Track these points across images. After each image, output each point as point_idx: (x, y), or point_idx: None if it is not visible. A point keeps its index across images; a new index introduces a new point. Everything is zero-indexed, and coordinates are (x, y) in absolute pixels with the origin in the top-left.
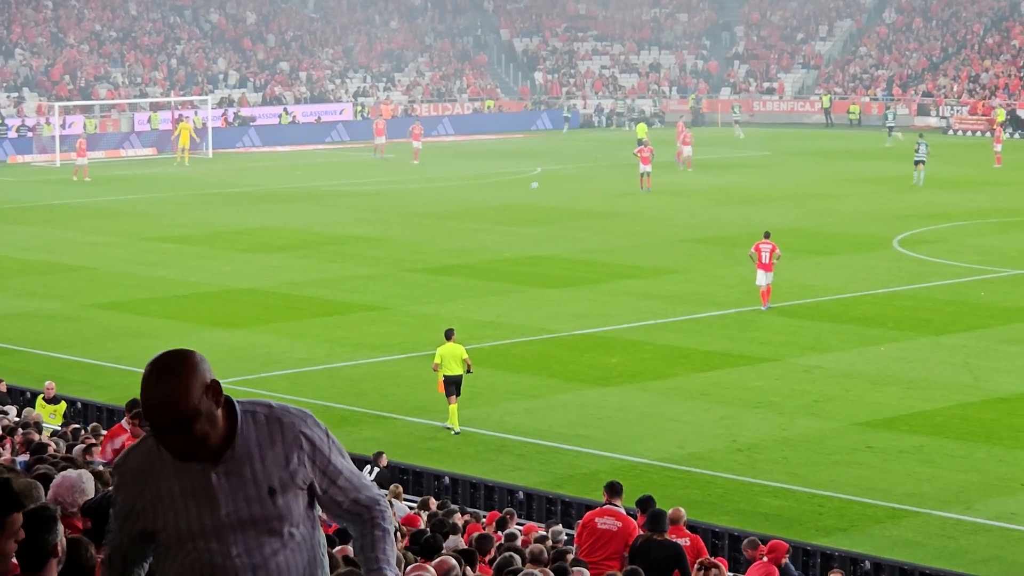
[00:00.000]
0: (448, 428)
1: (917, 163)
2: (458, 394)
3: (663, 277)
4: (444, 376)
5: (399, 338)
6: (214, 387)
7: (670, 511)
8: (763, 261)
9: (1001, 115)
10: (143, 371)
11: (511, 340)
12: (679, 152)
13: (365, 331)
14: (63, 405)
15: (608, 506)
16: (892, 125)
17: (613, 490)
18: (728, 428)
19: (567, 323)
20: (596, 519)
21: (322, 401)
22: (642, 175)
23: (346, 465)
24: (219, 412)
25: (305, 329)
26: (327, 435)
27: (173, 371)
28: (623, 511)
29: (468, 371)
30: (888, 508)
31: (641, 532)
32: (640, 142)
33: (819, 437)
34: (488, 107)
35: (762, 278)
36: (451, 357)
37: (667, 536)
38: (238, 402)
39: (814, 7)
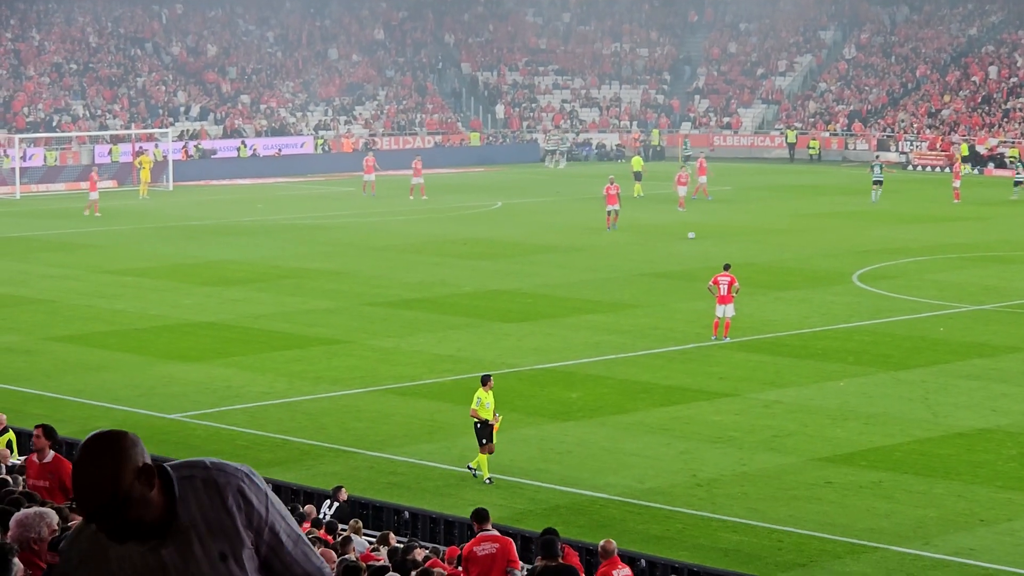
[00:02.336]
0: (478, 474)
1: (875, 183)
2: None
3: (623, 312)
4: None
5: (359, 372)
6: (146, 471)
7: (602, 542)
8: (721, 294)
9: (964, 149)
10: (82, 447)
11: (471, 374)
12: (701, 187)
13: (325, 365)
14: (8, 436)
15: (481, 533)
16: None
17: (481, 517)
18: (688, 463)
19: (527, 357)
20: (475, 548)
21: (282, 435)
22: (609, 213)
23: (287, 529)
24: (152, 494)
25: (265, 363)
26: (267, 495)
27: (102, 456)
28: (496, 532)
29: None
30: (847, 544)
31: (538, 561)
32: (636, 175)
33: (778, 472)
34: (473, 139)
35: (720, 311)
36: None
37: (562, 562)
38: (174, 469)
39: (774, 43)
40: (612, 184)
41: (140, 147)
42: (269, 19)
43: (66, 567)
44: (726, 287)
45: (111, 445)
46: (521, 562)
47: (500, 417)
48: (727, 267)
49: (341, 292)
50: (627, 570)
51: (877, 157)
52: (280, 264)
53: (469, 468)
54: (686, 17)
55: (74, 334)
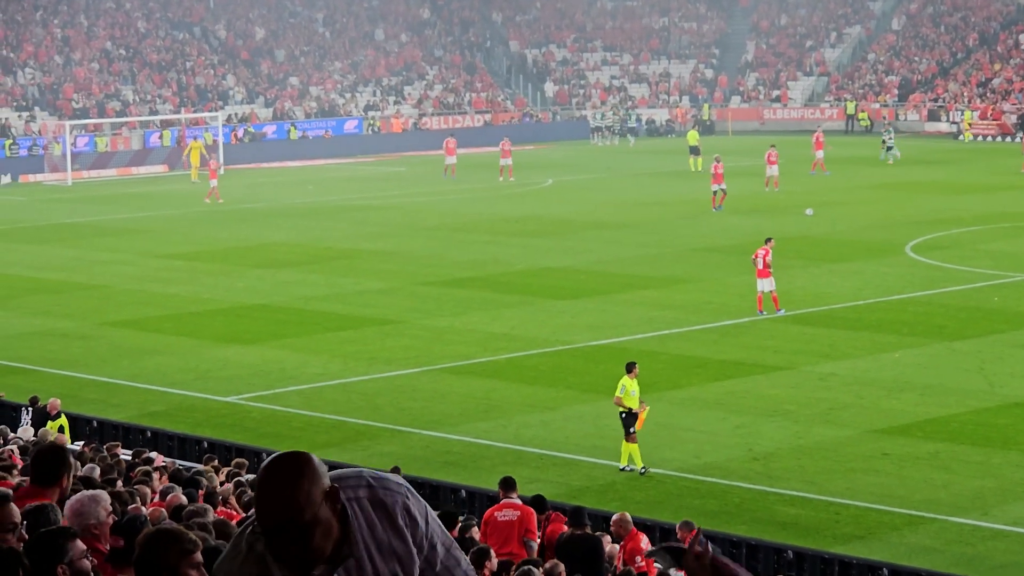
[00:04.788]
0: (631, 469)
1: (889, 148)
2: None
3: (676, 287)
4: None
5: (413, 352)
6: (332, 493)
7: (615, 516)
8: (759, 267)
9: (967, 117)
10: (259, 474)
11: (525, 352)
12: (817, 161)
13: (379, 345)
14: (61, 421)
15: (505, 500)
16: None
17: (508, 485)
18: (744, 437)
19: (581, 334)
20: (496, 514)
21: (337, 416)
22: (715, 193)
23: (443, 537)
24: (335, 520)
25: (319, 344)
26: (426, 508)
27: (295, 474)
28: (519, 501)
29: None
30: (905, 515)
31: (566, 529)
32: (693, 149)
33: (835, 445)
34: (531, 115)
35: (760, 285)
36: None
37: (587, 531)
38: (340, 490)
39: (823, 14)
40: (718, 163)
41: (190, 133)
42: (316, 1)
43: None
44: (762, 261)
45: (302, 464)
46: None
47: (647, 406)
48: (768, 240)
49: (393, 272)
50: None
51: (885, 120)
52: (332, 245)
53: (624, 469)
54: None
55: (128, 319)
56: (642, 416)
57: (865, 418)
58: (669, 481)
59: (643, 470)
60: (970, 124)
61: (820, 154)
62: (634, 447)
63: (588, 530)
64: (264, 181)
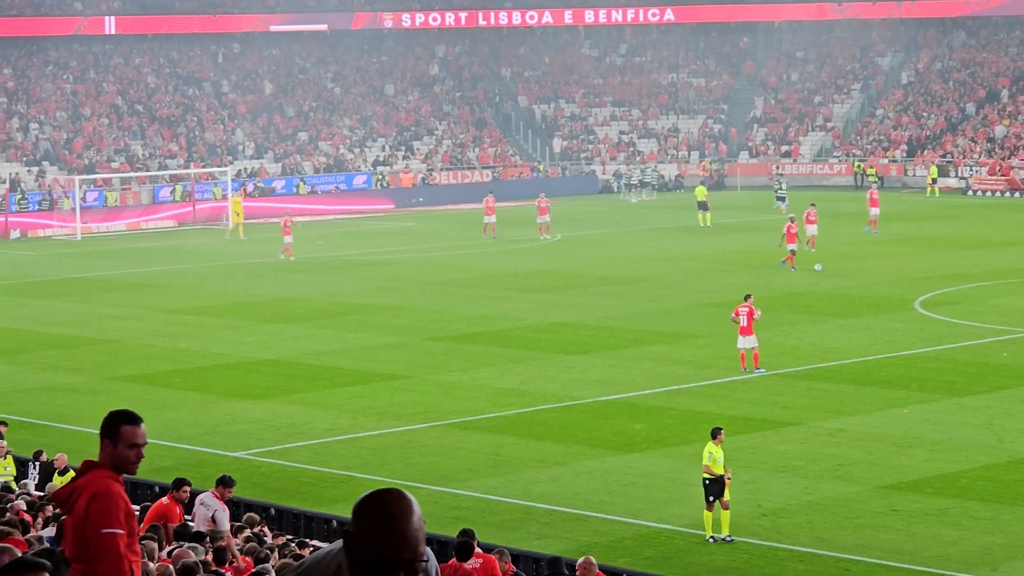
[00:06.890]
0: (719, 538)
1: (779, 199)
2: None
3: (685, 342)
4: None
5: (422, 407)
6: None
7: (580, 560)
8: (742, 324)
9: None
10: (381, 505)
11: (534, 408)
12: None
13: (388, 400)
14: (69, 475)
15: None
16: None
17: (468, 537)
18: (753, 493)
19: (590, 389)
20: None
21: (346, 471)
22: (793, 252)
23: None
24: None
25: (328, 399)
26: None
27: (415, 508)
28: (482, 552)
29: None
30: (914, 571)
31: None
32: (701, 205)
33: (844, 501)
34: (540, 169)
35: (741, 342)
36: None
37: None
38: None
39: (831, 70)
40: (793, 223)
41: (199, 188)
42: (326, 57)
43: None
44: (746, 318)
45: (412, 501)
46: None
47: (731, 475)
48: (748, 297)
49: (403, 327)
50: None
51: (778, 168)
52: (341, 300)
53: (711, 539)
54: (741, 46)
55: (137, 373)
56: (728, 482)
57: (874, 474)
58: (678, 537)
59: (728, 538)
60: (933, 180)
61: (875, 211)
62: (725, 514)
63: None
64: (273, 236)
